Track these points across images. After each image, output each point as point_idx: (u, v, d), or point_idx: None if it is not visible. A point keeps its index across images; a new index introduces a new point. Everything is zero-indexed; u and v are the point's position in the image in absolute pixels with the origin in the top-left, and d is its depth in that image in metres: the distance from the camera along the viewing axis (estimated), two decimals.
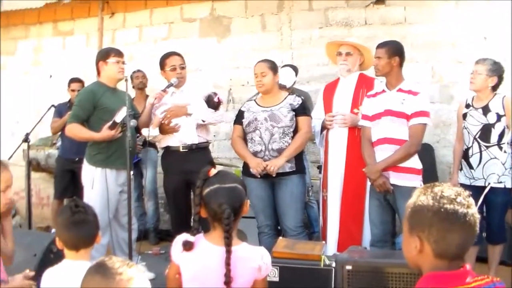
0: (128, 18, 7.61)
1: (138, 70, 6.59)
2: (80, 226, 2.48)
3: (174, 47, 6.05)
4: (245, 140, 4.69)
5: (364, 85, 4.68)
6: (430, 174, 5.09)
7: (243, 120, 4.70)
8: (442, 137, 5.86)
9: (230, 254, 2.32)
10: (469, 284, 1.69)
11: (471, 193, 1.80)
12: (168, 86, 4.87)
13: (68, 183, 6.27)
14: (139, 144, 5.90)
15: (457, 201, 1.71)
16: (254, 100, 4.79)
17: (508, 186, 4.49)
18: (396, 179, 4.12)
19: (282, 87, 4.97)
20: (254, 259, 2.45)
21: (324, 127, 4.76)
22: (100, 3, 7.43)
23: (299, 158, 4.59)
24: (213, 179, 2.46)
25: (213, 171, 2.49)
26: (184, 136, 4.87)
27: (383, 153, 4.20)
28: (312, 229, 5.69)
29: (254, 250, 2.50)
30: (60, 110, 6.34)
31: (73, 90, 6.36)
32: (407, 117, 4.13)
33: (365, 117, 4.40)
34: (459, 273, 1.72)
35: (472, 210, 1.72)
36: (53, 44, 8.15)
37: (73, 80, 6.53)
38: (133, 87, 6.54)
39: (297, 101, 4.61)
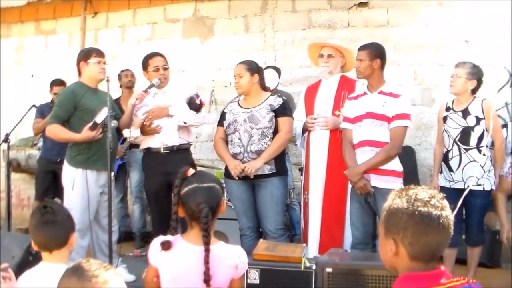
0: (111, 18, 7.58)
1: (127, 69, 6.53)
2: (49, 227, 2.47)
3: (157, 47, 6.04)
4: (227, 141, 4.68)
5: (345, 87, 4.69)
6: (411, 177, 5.12)
7: (224, 122, 4.70)
8: (424, 140, 5.90)
9: (209, 253, 2.33)
10: (444, 285, 1.71)
11: (445, 195, 1.81)
12: (149, 87, 4.83)
13: (50, 184, 6.20)
14: (123, 150, 5.88)
15: (431, 204, 1.72)
16: (238, 101, 4.78)
17: (487, 188, 4.54)
18: (377, 181, 4.13)
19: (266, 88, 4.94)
20: (231, 257, 2.47)
21: (305, 129, 4.75)
22: (83, 2, 7.42)
23: (279, 160, 4.56)
24: (191, 179, 2.48)
25: (191, 171, 2.52)
26: (165, 138, 4.84)
27: (364, 156, 4.21)
28: (294, 232, 5.70)
29: (231, 249, 2.52)
30: (43, 111, 6.24)
31: (55, 94, 6.19)
32: (388, 120, 4.15)
33: (346, 119, 4.41)
34: (434, 274, 1.73)
35: (446, 212, 1.74)
36: (35, 43, 8.09)
37: (55, 83, 6.44)
38: (121, 86, 6.50)
39: (277, 101, 4.57)
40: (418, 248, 1.72)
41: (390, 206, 1.79)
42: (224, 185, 5.57)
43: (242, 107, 4.65)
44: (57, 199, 5.54)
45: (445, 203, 1.76)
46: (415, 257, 1.73)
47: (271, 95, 4.68)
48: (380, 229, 1.83)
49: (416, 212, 1.71)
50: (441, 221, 1.71)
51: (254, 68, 4.65)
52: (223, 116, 4.77)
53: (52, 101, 6.29)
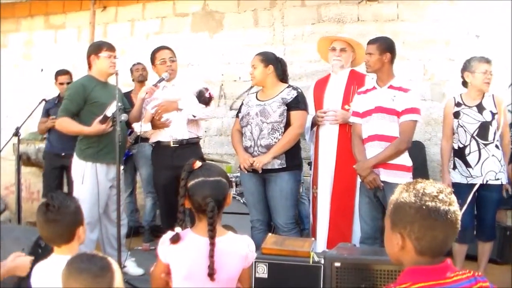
0: (120, 12, 7.58)
1: (138, 63, 6.51)
2: (52, 225, 2.48)
3: (166, 41, 6.03)
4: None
5: (355, 81, 4.68)
6: (421, 172, 5.10)
7: (239, 114, 4.72)
8: (433, 135, 5.86)
9: (214, 247, 2.34)
10: (450, 278, 1.70)
11: (459, 191, 1.80)
12: (159, 81, 4.84)
13: (57, 181, 6.20)
14: (131, 141, 5.88)
15: (439, 198, 1.71)
16: (256, 93, 4.78)
17: (504, 182, 4.51)
18: (386, 175, 4.12)
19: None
20: (241, 248, 2.48)
21: (314, 124, 4.74)
22: None
23: (291, 155, 4.53)
24: (197, 172, 2.48)
25: (197, 164, 2.52)
26: (174, 131, 4.85)
27: (373, 150, 4.20)
28: (302, 226, 5.69)
29: (240, 239, 2.53)
30: (48, 108, 6.25)
31: (61, 84, 6.25)
32: (398, 114, 4.14)
33: (355, 113, 4.40)
34: (439, 268, 1.72)
35: (454, 207, 1.73)
36: (45, 38, 8.11)
37: (60, 73, 6.38)
38: (133, 79, 6.49)
39: (291, 94, 4.54)
40: (425, 243, 1.71)
41: (397, 200, 1.79)
42: (238, 178, 5.65)
43: (258, 99, 4.65)
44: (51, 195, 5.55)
45: (453, 198, 1.75)
46: (421, 252, 1.72)
47: (288, 87, 4.65)
48: (386, 223, 1.83)
49: (424, 207, 1.70)
50: (448, 216, 1.70)
51: (269, 59, 4.65)
52: (240, 107, 4.82)
53: (58, 95, 6.28)
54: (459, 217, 1.74)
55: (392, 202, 1.81)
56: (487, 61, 4.54)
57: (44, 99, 6.34)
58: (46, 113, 6.25)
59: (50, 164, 6.24)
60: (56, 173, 6.19)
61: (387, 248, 1.85)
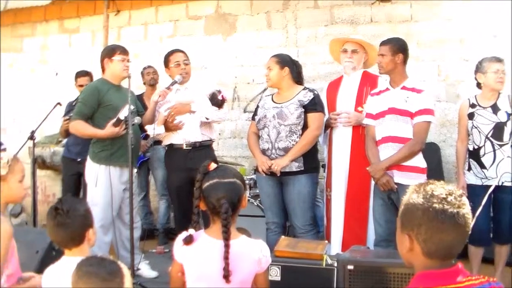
0: (134, 15, 7.61)
1: (149, 66, 6.52)
2: (62, 229, 2.49)
3: (179, 44, 6.07)
4: None
5: (368, 83, 4.64)
6: (436, 174, 5.04)
7: (256, 117, 4.71)
8: (448, 136, 5.81)
9: (229, 248, 2.33)
10: (461, 283, 1.67)
11: (464, 192, 1.77)
12: (172, 84, 4.87)
13: (74, 187, 6.09)
14: (148, 145, 5.88)
15: (447, 201, 1.68)
16: (272, 96, 4.77)
17: None
18: (400, 177, 4.09)
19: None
20: (253, 252, 2.46)
21: (328, 126, 4.72)
22: (106, 0, 7.44)
23: (309, 157, 4.50)
24: (212, 174, 2.48)
25: (213, 165, 2.51)
26: (187, 134, 4.86)
27: (387, 152, 4.17)
28: (317, 229, 5.67)
29: (253, 243, 2.51)
30: (69, 110, 6.04)
31: (80, 86, 6.05)
32: (411, 115, 4.10)
33: (369, 115, 4.37)
34: (450, 272, 1.69)
35: (464, 210, 1.69)
36: (59, 42, 8.17)
37: (80, 74, 6.26)
38: (144, 83, 6.50)
39: (307, 96, 4.53)
40: (432, 245, 1.68)
41: (407, 201, 1.77)
42: (252, 180, 5.64)
43: (274, 102, 4.64)
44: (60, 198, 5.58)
45: (464, 200, 1.72)
46: (429, 254, 1.70)
47: (304, 89, 4.63)
48: (397, 224, 1.81)
49: (431, 209, 1.68)
50: (456, 219, 1.66)
51: (284, 61, 4.63)
52: (256, 110, 4.80)
53: (77, 98, 6.20)
54: (469, 221, 1.70)
55: (403, 203, 1.79)
56: (498, 60, 4.51)
57: (58, 103, 6.33)
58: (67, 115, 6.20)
59: (67, 170, 6.19)
60: (74, 180, 6.09)
61: (398, 250, 1.83)
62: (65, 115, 6.17)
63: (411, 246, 1.73)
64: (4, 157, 2.68)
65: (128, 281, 2.03)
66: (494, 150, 4.46)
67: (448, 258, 1.71)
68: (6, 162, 2.67)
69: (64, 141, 6.56)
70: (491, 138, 4.47)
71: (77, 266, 2.02)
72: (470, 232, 1.71)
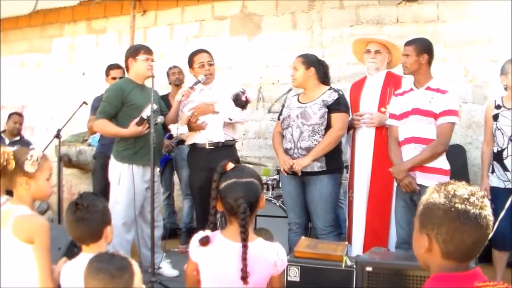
0: (160, 16, 7.67)
1: (174, 66, 6.52)
2: (80, 224, 2.51)
3: (204, 45, 6.08)
4: None
5: (391, 83, 4.60)
6: (461, 176, 4.90)
7: (280, 116, 4.72)
8: (475, 138, 5.71)
9: (247, 249, 2.31)
10: (478, 287, 1.63)
11: (486, 194, 1.73)
12: (195, 83, 4.87)
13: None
14: (172, 145, 5.90)
15: (469, 201, 1.65)
16: (298, 96, 4.76)
17: None
18: (422, 179, 4.03)
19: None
20: (269, 254, 2.44)
21: (351, 127, 4.69)
22: (133, 1, 7.51)
23: (331, 158, 4.48)
24: (230, 174, 2.46)
25: (230, 165, 2.50)
26: (210, 134, 4.87)
27: (410, 153, 4.12)
28: (340, 230, 5.63)
29: (269, 246, 2.49)
30: (96, 107, 5.77)
31: (114, 78, 5.85)
32: (435, 116, 4.04)
33: (392, 116, 4.32)
34: (467, 275, 1.66)
35: (486, 211, 1.66)
36: (87, 42, 8.28)
37: (113, 67, 6.06)
38: (170, 83, 6.52)
39: (332, 96, 4.52)
40: (452, 246, 1.65)
41: (427, 200, 1.73)
42: (275, 180, 5.64)
43: (299, 102, 4.64)
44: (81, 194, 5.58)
45: (486, 202, 1.68)
46: (448, 255, 1.66)
47: (329, 89, 4.62)
48: (415, 223, 1.77)
49: (453, 209, 1.64)
50: (479, 220, 1.63)
51: (310, 62, 4.63)
52: (281, 110, 4.82)
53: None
54: (491, 222, 1.67)
55: (422, 202, 1.76)
56: None
57: (84, 102, 6.36)
58: (94, 111, 5.91)
59: (101, 164, 5.80)
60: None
61: (414, 249, 1.80)
62: (91, 112, 6.03)
63: (429, 247, 1.69)
64: (34, 155, 2.73)
65: (138, 278, 2.04)
66: None
67: (466, 260, 1.68)
68: (36, 159, 2.72)
69: (90, 140, 6.61)
70: None
71: (89, 261, 2.04)
72: (491, 235, 1.67)
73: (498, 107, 4.52)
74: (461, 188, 1.70)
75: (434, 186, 1.76)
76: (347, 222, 4.84)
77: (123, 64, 5.14)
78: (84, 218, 2.50)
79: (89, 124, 5.93)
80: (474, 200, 1.65)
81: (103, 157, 5.85)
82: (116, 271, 1.98)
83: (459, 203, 1.65)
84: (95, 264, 2.01)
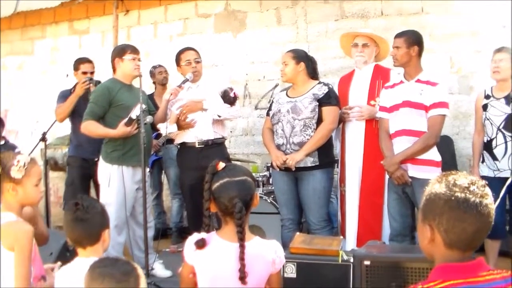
0: (143, 15, 7.62)
1: (160, 65, 6.48)
2: (79, 225, 2.48)
3: (189, 43, 6.06)
4: None
5: (380, 76, 4.61)
6: (449, 167, 4.97)
7: (270, 112, 4.70)
8: (462, 129, 5.75)
9: (244, 249, 2.28)
10: (482, 276, 1.63)
11: (487, 182, 1.73)
12: (183, 82, 4.85)
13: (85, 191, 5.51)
14: (160, 144, 5.87)
15: (470, 190, 1.65)
16: (286, 91, 4.75)
17: None
18: (414, 171, 4.05)
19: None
20: (267, 253, 2.41)
21: (340, 120, 4.68)
22: (115, 1, 7.43)
23: (324, 152, 4.49)
24: (222, 173, 2.42)
25: (221, 165, 2.45)
26: (200, 132, 4.85)
27: (401, 145, 4.13)
28: (331, 225, 5.64)
29: (267, 244, 2.47)
30: (65, 96, 5.65)
31: (84, 73, 5.57)
32: (426, 108, 4.06)
33: (383, 108, 4.33)
34: (471, 265, 1.66)
35: (487, 200, 1.66)
36: (69, 43, 8.19)
37: (82, 60, 5.76)
38: (154, 82, 6.48)
39: (322, 90, 4.51)
40: (453, 235, 1.65)
41: (429, 192, 1.73)
42: (264, 177, 5.62)
43: (288, 96, 4.63)
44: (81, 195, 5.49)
45: (487, 190, 1.68)
46: (450, 245, 1.66)
47: (319, 83, 4.62)
48: (419, 215, 1.78)
49: (453, 198, 1.64)
50: (479, 209, 1.63)
51: (300, 57, 4.63)
52: (270, 105, 4.81)
53: (74, 86, 5.67)
54: (492, 211, 1.67)
55: (425, 194, 1.76)
56: (499, 50, 4.52)
57: None
58: (60, 100, 5.69)
59: (78, 173, 5.62)
60: (85, 185, 5.61)
61: (419, 241, 1.80)
62: (60, 101, 5.74)
63: (432, 237, 1.69)
64: (21, 160, 2.67)
65: (143, 281, 2.02)
66: (506, 142, 4.44)
67: (469, 249, 1.68)
68: (23, 165, 2.67)
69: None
70: (502, 130, 4.45)
71: (90, 267, 2.01)
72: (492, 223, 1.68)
73: (487, 97, 4.56)
74: (461, 178, 1.70)
75: (436, 177, 1.77)
76: (339, 216, 4.84)
77: (108, 66, 5.04)
78: (83, 219, 2.48)
79: (57, 111, 5.64)
80: (474, 189, 1.66)
81: (79, 162, 5.58)
82: (122, 275, 1.95)
83: (459, 192, 1.65)
84: (98, 269, 1.97)
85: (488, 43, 5.39)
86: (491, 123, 4.49)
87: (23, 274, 2.54)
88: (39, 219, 2.99)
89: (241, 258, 2.27)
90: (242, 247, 2.28)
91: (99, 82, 5.28)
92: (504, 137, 4.44)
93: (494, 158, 4.49)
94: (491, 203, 1.67)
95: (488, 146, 4.54)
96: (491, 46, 4.98)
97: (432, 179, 1.77)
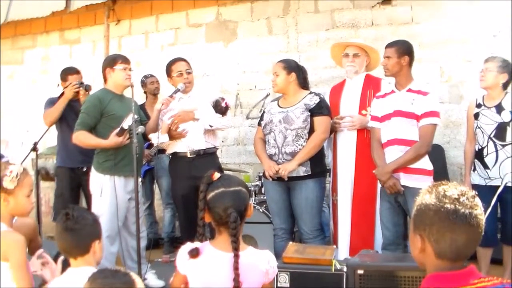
0: (134, 24, 7.63)
1: (151, 75, 6.47)
2: (69, 234, 2.48)
3: (180, 52, 6.06)
4: None
5: (371, 85, 4.63)
6: (441, 175, 4.99)
7: (261, 122, 4.71)
8: (452, 138, 5.79)
9: (238, 259, 2.29)
10: (474, 284, 1.66)
11: (480, 193, 1.75)
12: (175, 92, 4.84)
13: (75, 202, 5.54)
14: (151, 154, 5.85)
15: (459, 201, 1.68)
16: (277, 101, 4.76)
17: None
18: (406, 180, 4.07)
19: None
20: (261, 263, 2.43)
21: (332, 130, 4.70)
22: (106, 10, 7.43)
23: (316, 161, 4.50)
24: (217, 183, 2.43)
25: (216, 175, 2.46)
26: (191, 142, 4.84)
27: (393, 154, 4.15)
28: (323, 234, 5.64)
29: (260, 254, 2.48)
30: (53, 102, 5.64)
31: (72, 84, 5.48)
32: (417, 118, 4.09)
33: (374, 118, 4.35)
34: (462, 273, 1.68)
35: (476, 211, 1.68)
36: (60, 53, 8.18)
37: (71, 71, 5.77)
38: (145, 92, 6.46)
39: (313, 100, 4.52)
40: (443, 245, 1.67)
41: (419, 202, 1.76)
42: (257, 187, 5.62)
43: (280, 107, 4.63)
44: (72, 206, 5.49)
45: (476, 201, 1.71)
46: (440, 255, 1.69)
47: (310, 93, 4.63)
48: (410, 225, 1.81)
49: (443, 209, 1.67)
50: (469, 220, 1.66)
51: (291, 67, 4.64)
52: (262, 115, 4.81)
53: (62, 94, 5.63)
54: (482, 222, 1.69)
55: (416, 203, 1.79)
56: (486, 59, 4.58)
57: None
58: (48, 106, 5.67)
59: (66, 183, 5.60)
60: (74, 196, 5.60)
61: (411, 250, 1.83)
62: (46, 105, 5.75)
63: (422, 247, 1.72)
64: (14, 171, 2.66)
65: None
66: (497, 151, 4.47)
67: (460, 259, 1.70)
68: (15, 175, 2.66)
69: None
70: (493, 138, 4.48)
71: (89, 279, 2.01)
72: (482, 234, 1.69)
73: (479, 105, 4.60)
74: (451, 189, 1.73)
75: (426, 188, 1.80)
76: (331, 225, 4.85)
77: (98, 75, 5.03)
78: (73, 229, 2.47)
79: (45, 115, 5.61)
80: (464, 200, 1.68)
81: (68, 174, 5.56)
82: (123, 285, 1.96)
83: (449, 203, 1.68)
84: (99, 280, 1.98)
85: (478, 52, 5.44)
86: (482, 132, 4.53)
87: (24, 280, 2.55)
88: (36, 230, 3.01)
89: (236, 268, 2.28)
90: (236, 256, 2.29)
91: (89, 86, 5.31)
92: (495, 145, 4.47)
93: (485, 166, 4.52)
94: (481, 214, 1.69)
95: (479, 155, 4.57)
96: (481, 55, 5.04)
97: (423, 189, 1.80)
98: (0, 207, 2.69)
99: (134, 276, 2.05)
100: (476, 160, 4.60)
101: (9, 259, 2.55)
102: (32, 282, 2.62)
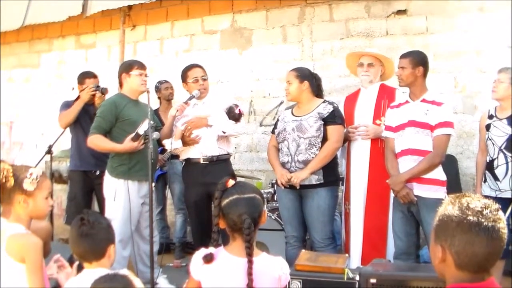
0: (149, 30, 7.68)
1: (166, 81, 6.49)
2: (84, 240, 2.52)
3: (195, 59, 6.09)
4: None
5: (385, 95, 4.64)
6: (453, 186, 5.01)
7: (275, 130, 4.72)
8: (466, 148, 5.77)
9: (252, 264, 2.31)
10: None
11: (500, 206, 1.75)
12: (190, 98, 4.87)
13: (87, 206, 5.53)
14: (165, 159, 5.88)
15: (482, 214, 1.68)
16: (292, 109, 4.77)
17: None
18: (420, 190, 4.07)
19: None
20: (274, 269, 2.44)
21: (346, 139, 4.71)
22: (122, 16, 7.49)
23: (328, 170, 4.49)
24: (231, 190, 2.45)
25: (231, 182, 2.49)
26: (204, 148, 4.86)
27: (406, 164, 4.16)
28: (335, 243, 5.64)
29: (274, 260, 2.49)
30: (69, 105, 5.68)
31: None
32: (431, 128, 4.10)
33: (388, 128, 4.36)
34: (482, 286, 1.69)
35: (500, 224, 1.68)
36: (76, 57, 8.26)
37: (88, 75, 5.81)
38: (159, 97, 6.48)
39: (327, 109, 4.52)
40: (464, 257, 1.68)
41: (442, 212, 1.77)
42: (269, 194, 5.63)
43: (293, 115, 4.64)
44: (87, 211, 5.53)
45: (500, 215, 1.71)
46: (461, 266, 1.69)
47: (323, 102, 4.63)
48: (432, 235, 1.81)
49: (465, 221, 1.67)
50: (491, 233, 1.66)
51: (304, 75, 4.64)
52: (276, 123, 4.82)
53: (78, 97, 5.69)
54: (505, 236, 1.69)
55: (438, 214, 1.79)
56: (500, 70, 4.57)
57: None
58: (63, 108, 5.71)
59: (80, 187, 5.64)
60: (87, 200, 5.63)
61: (431, 260, 1.84)
62: (61, 108, 5.78)
63: (443, 257, 1.72)
64: (33, 173, 2.70)
65: None
66: (507, 163, 4.46)
67: (480, 271, 1.70)
68: (35, 178, 2.70)
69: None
70: (504, 150, 4.47)
71: (93, 284, 2.04)
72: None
73: (491, 117, 4.60)
74: (475, 201, 1.73)
75: (449, 198, 1.80)
76: (343, 234, 4.86)
77: (113, 80, 5.09)
78: (89, 234, 2.50)
79: (60, 117, 5.67)
80: (487, 213, 1.68)
81: (81, 178, 5.59)
82: (122, 285, 1.99)
83: (472, 215, 1.68)
84: (100, 285, 2.02)
85: (492, 63, 5.42)
86: (493, 143, 4.52)
87: (39, 283, 2.58)
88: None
89: (249, 273, 2.29)
90: (250, 262, 2.31)
91: (105, 89, 5.36)
92: (506, 157, 4.46)
93: (496, 178, 4.51)
94: (504, 228, 1.69)
95: (490, 166, 4.56)
96: (495, 65, 5.02)
97: (446, 200, 1.80)
98: (19, 209, 2.72)
99: (132, 277, 2.08)
100: (486, 172, 4.59)
101: (26, 261, 2.57)
102: (47, 284, 2.65)
